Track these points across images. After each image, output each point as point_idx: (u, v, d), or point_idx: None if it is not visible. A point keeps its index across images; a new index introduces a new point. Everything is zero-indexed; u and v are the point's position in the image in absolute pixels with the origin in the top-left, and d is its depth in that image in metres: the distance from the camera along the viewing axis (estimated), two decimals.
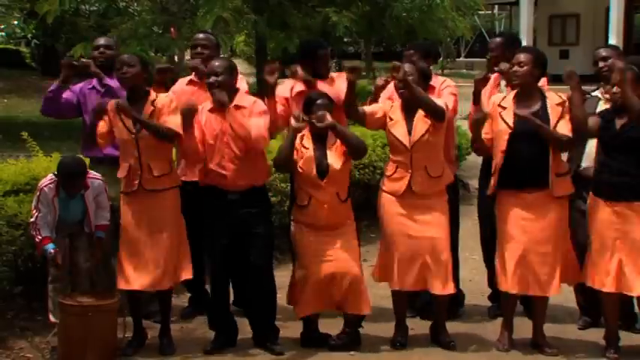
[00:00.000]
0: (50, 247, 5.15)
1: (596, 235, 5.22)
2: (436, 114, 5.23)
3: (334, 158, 5.23)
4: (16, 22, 21.81)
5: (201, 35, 6.07)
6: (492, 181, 5.33)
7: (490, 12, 31.26)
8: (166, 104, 5.22)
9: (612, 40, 18.45)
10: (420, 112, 5.29)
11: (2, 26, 22.66)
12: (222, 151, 5.20)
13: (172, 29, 10.17)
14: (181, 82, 6.00)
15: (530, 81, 5.24)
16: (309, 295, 5.23)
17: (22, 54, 24.03)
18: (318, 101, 5.25)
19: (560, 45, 24.54)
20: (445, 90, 5.79)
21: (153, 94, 5.28)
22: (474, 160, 9.96)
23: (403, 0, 13.01)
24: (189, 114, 5.16)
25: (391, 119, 5.35)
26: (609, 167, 5.16)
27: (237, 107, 5.22)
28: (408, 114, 5.32)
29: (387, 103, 5.48)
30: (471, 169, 9.95)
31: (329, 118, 5.14)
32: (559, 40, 24.88)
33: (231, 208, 5.20)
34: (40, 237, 5.16)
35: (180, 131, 5.13)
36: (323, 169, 5.20)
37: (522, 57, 5.23)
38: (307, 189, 5.24)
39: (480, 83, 5.48)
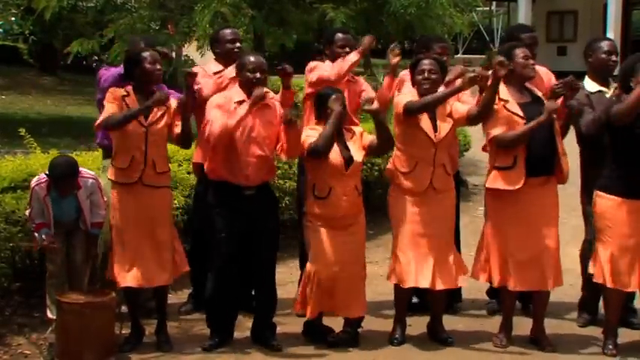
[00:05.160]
0: (43, 232, 5.15)
1: (621, 236, 5.11)
2: (486, 117, 5.20)
3: (355, 151, 5.25)
4: (13, 19, 21.73)
5: (230, 30, 6.00)
6: (517, 174, 5.15)
7: (488, 8, 31.22)
8: (175, 105, 5.25)
9: (610, 37, 18.46)
10: (442, 111, 5.26)
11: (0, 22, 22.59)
12: (248, 149, 5.15)
13: (170, 25, 10.12)
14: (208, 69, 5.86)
15: None
16: (319, 293, 5.21)
17: (20, 50, 23.96)
18: (333, 96, 5.23)
19: (558, 41, 24.57)
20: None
21: None
22: (472, 156, 9.99)
23: None
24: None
25: None
26: None
27: (267, 106, 5.23)
28: (430, 110, 5.28)
29: (413, 93, 5.36)
30: (469, 166, 9.97)
31: (376, 104, 5.11)
32: (557, 37, 24.90)
33: (246, 203, 5.17)
34: (34, 224, 5.18)
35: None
36: (345, 161, 5.21)
37: (527, 51, 5.29)
38: (329, 180, 5.19)
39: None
